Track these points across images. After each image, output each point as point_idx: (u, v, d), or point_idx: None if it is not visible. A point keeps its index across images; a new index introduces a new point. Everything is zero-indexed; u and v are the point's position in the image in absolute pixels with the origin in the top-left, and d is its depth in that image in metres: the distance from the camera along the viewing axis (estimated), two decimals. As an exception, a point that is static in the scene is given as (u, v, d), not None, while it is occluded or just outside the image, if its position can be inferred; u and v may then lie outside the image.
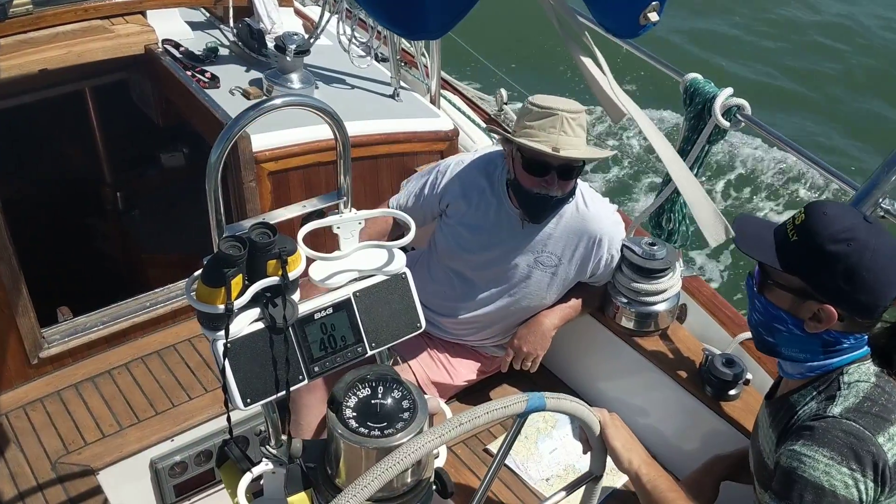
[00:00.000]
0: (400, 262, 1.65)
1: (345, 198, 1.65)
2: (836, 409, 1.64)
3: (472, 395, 2.86)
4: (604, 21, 0.79)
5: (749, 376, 2.54)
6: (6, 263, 2.52)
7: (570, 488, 1.62)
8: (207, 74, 3.26)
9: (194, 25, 3.65)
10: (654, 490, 1.75)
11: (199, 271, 1.44)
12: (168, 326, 3.00)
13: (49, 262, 3.82)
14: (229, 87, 3.23)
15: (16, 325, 2.67)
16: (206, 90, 3.18)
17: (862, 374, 1.71)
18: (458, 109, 3.80)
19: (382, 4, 0.97)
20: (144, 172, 4.56)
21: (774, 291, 1.74)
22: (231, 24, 3.58)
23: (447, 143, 3.41)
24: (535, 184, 2.46)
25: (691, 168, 2.73)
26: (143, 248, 4.28)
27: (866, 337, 1.73)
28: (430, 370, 2.75)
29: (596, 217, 2.61)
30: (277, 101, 1.47)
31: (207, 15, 3.76)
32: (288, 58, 3.17)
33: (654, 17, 0.73)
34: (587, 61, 0.71)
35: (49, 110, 3.87)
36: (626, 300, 2.67)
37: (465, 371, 2.83)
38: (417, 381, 2.70)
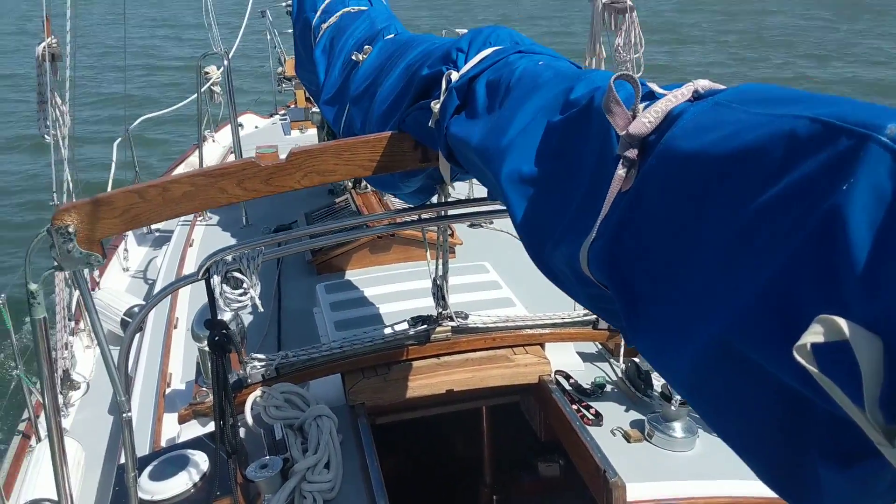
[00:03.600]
0: None
1: None
2: None
3: None
4: None
5: None
6: None
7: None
8: (592, 411, 3.38)
9: (585, 357, 3.87)
10: None
11: None
12: None
13: None
14: (611, 427, 3.30)
15: None
16: (588, 426, 3.28)
17: None
18: None
19: (767, 476, 0.93)
20: (521, 478, 4.73)
21: None
22: (620, 360, 3.73)
23: None
24: None
25: None
26: None
27: None
28: None
29: None
30: None
31: (599, 348, 3.98)
32: (672, 407, 3.17)
33: None
34: None
35: (449, 421, 4.28)
36: None
37: None
38: None
